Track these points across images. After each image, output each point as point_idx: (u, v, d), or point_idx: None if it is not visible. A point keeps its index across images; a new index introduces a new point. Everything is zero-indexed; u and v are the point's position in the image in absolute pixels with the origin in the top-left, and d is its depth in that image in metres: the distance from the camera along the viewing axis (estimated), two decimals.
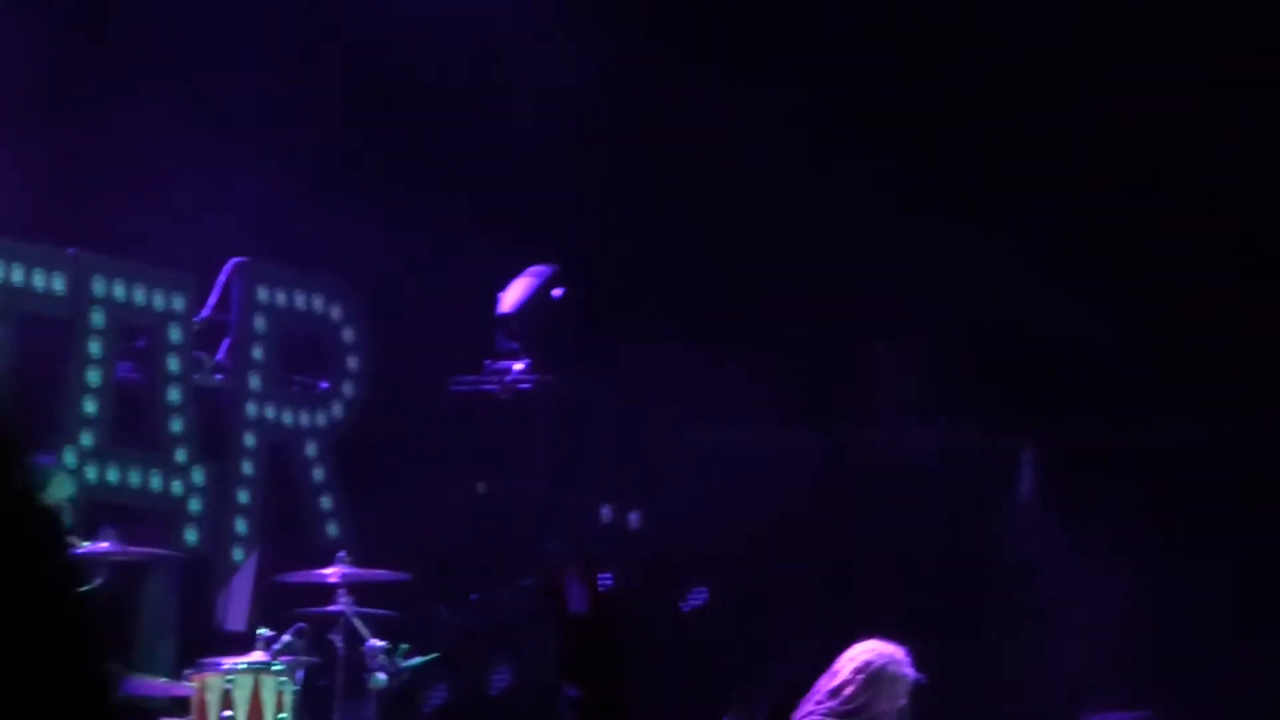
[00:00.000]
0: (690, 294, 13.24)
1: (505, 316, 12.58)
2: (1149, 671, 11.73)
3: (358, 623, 10.33)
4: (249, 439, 11.88)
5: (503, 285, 12.58)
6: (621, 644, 11.99)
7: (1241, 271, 12.65)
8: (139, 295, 11.48)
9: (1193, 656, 12.00)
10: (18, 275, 11.07)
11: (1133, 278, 12.85)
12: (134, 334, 11.57)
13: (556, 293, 12.60)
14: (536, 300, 12.57)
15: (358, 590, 10.48)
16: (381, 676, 10.21)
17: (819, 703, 8.60)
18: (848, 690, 8.55)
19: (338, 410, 12.38)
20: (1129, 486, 12.88)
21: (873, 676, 8.52)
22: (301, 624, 10.22)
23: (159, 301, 11.56)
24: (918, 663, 8.75)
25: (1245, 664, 12.03)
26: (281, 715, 9.64)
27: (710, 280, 13.22)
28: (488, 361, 12.70)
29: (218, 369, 11.89)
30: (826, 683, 8.66)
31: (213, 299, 11.88)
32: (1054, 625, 12.66)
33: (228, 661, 9.65)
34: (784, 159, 12.90)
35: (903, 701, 8.57)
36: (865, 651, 8.60)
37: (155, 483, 11.36)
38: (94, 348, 11.28)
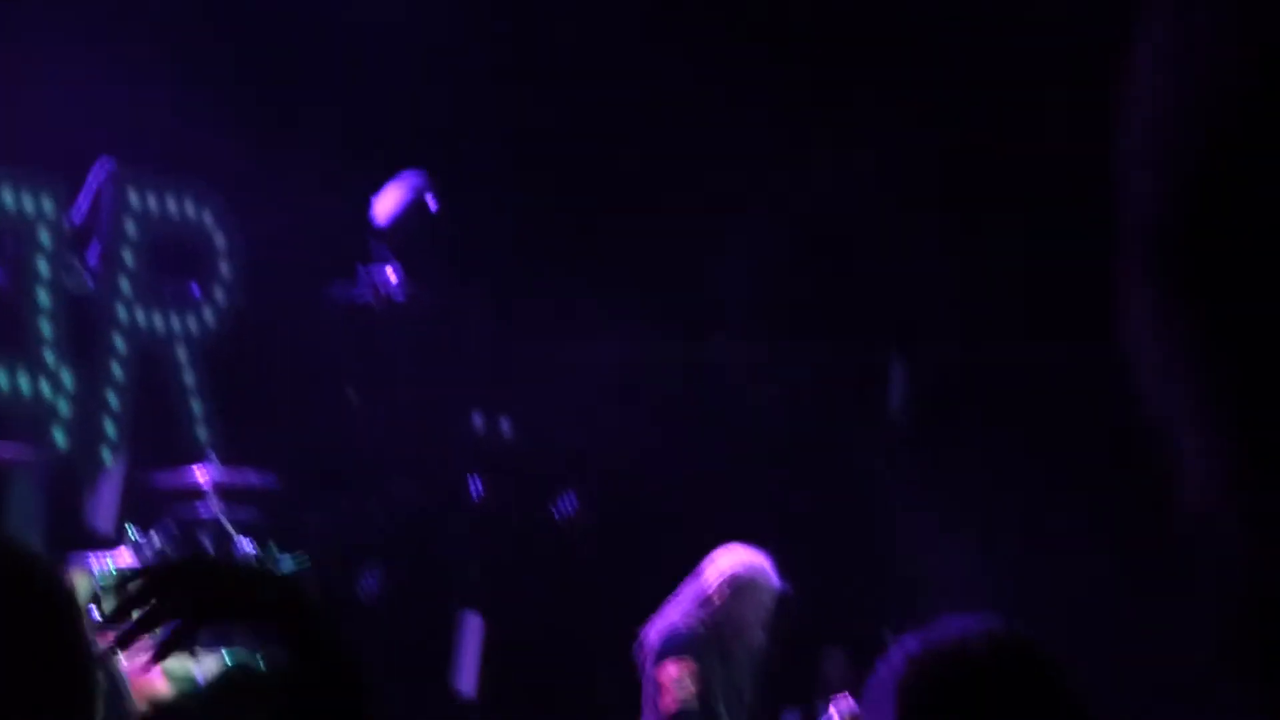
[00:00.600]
0: (561, 205, 13.28)
1: (379, 225, 12.56)
2: (1010, 584, 11.90)
3: (227, 526, 10.37)
4: (119, 343, 11.84)
5: (376, 193, 12.56)
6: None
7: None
8: (8, 197, 11.37)
9: (1054, 569, 12.18)
10: None
11: (1003, 193, 12.98)
12: (2, 236, 11.48)
13: (430, 201, 12.60)
14: (410, 208, 12.55)
15: (227, 493, 10.51)
16: None
17: (687, 612, 8.68)
18: (715, 600, 8.65)
19: (209, 316, 12.35)
20: (992, 406, 13.06)
21: (739, 587, 8.64)
22: (171, 526, 10.24)
23: (28, 204, 11.47)
24: (782, 572, 8.88)
25: (1108, 577, 12.22)
26: None
27: (582, 193, 13.26)
28: (361, 269, 12.68)
29: (88, 273, 11.81)
30: (693, 590, 8.75)
31: (83, 202, 11.80)
32: (918, 539, 12.85)
33: (95, 561, 9.65)
34: (652, 77, 12.94)
35: (767, 610, 8.70)
36: (731, 562, 8.71)
37: (24, 385, 11.31)
38: None
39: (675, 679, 8.41)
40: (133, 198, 11.98)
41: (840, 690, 9.35)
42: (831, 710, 8.90)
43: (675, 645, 8.54)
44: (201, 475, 10.43)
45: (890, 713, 2.75)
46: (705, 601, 8.62)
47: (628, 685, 9.17)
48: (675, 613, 8.70)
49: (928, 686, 2.75)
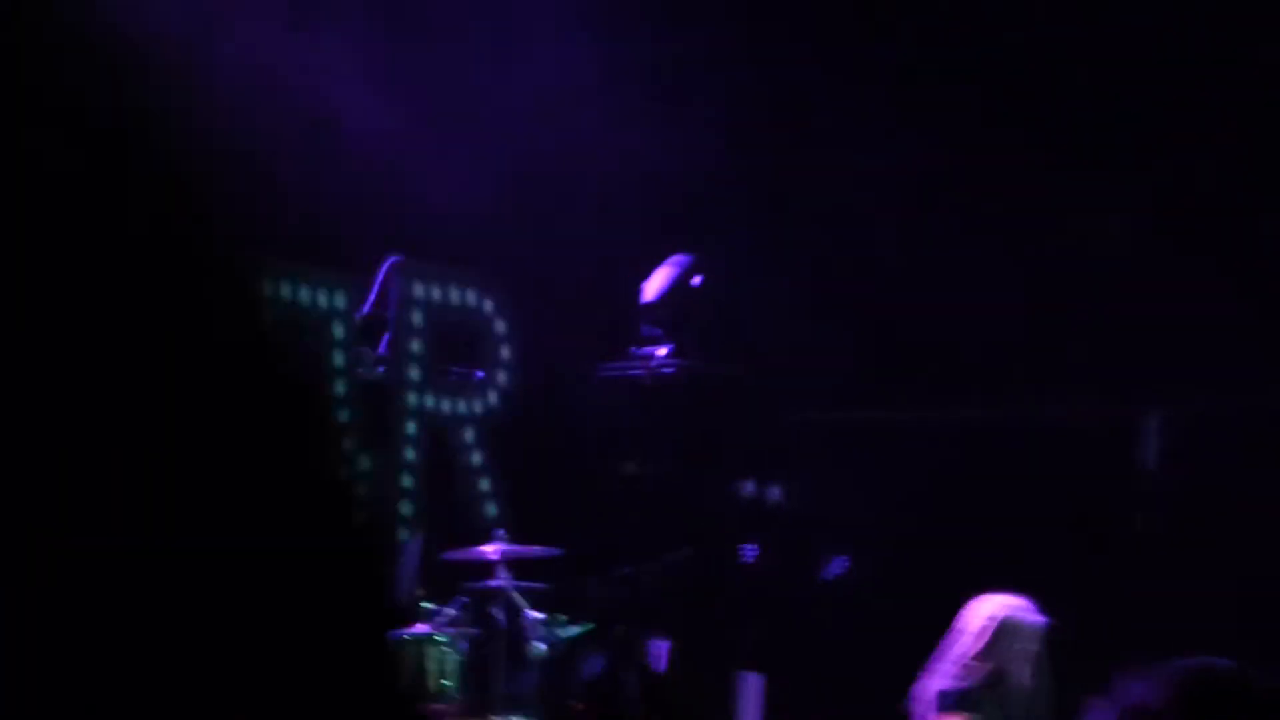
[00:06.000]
0: (815, 281, 13.59)
1: (648, 305, 12.96)
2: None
3: (516, 596, 10.81)
4: (410, 427, 12.33)
5: (645, 275, 12.98)
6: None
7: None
8: (304, 294, 11.97)
9: None
10: None
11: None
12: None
13: (695, 281, 12.96)
14: (677, 288, 12.92)
15: (515, 565, 10.96)
16: (541, 646, 10.68)
17: (955, 666, 8.67)
18: (981, 649, 8.63)
19: (493, 398, 12.81)
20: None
21: (1002, 631, 8.59)
22: (464, 598, 10.74)
23: (322, 300, 12.07)
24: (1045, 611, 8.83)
25: None
26: (445, 682, 10.18)
27: (831, 265, 13.55)
28: (633, 348, 13.08)
29: (379, 362, 12.33)
30: (957, 643, 8.75)
31: (371, 296, 12.33)
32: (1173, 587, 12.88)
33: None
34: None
35: (1035, 648, 8.65)
36: (990, 607, 8.68)
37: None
38: None
39: None
40: (418, 289, 12.48)
41: None
42: None
43: (949, 700, 8.52)
44: (491, 549, 10.91)
45: None
46: (972, 653, 8.56)
47: None
48: (944, 667, 8.66)
49: None
